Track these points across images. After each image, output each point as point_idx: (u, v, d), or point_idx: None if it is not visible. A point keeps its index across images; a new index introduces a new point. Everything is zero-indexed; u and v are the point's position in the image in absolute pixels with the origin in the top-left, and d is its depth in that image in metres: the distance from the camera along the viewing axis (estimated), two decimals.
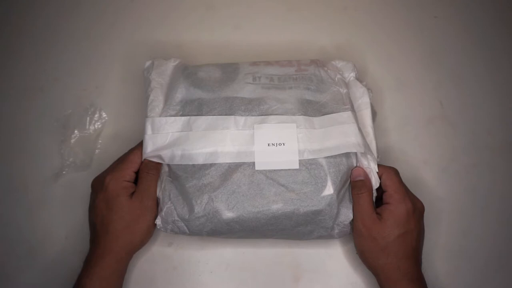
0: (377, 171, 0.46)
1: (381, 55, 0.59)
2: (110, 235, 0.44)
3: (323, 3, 0.62)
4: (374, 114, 0.50)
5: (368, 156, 0.46)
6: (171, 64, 0.51)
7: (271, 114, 0.46)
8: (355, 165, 0.46)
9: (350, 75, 0.51)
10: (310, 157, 0.45)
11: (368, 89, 0.50)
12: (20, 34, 0.60)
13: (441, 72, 0.58)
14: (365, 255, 0.45)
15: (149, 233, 0.47)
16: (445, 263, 0.50)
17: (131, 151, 0.47)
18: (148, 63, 0.52)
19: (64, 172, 0.53)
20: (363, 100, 0.50)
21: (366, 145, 0.46)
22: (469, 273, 0.50)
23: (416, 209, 0.45)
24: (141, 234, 0.46)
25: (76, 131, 0.54)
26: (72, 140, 0.54)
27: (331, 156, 0.45)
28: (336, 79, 0.50)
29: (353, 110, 0.48)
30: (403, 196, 0.44)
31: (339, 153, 0.45)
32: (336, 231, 0.45)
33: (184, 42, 0.60)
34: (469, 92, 0.57)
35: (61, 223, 0.51)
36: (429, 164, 0.54)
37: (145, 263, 0.49)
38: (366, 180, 0.45)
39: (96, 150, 0.54)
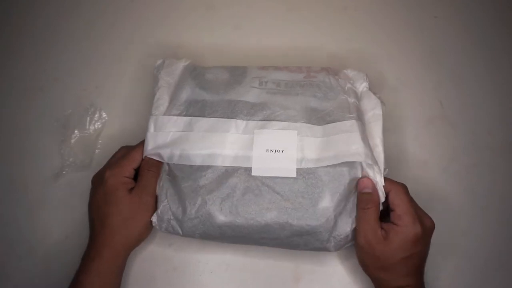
0: (383, 184, 0.44)
1: (381, 55, 0.59)
2: (107, 229, 0.44)
3: (323, 3, 0.62)
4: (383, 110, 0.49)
5: (374, 167, 0.44)
6: (181, 64, 0.51)
7: (272, 120, 0.46)
8: (359, 176, 0.44)
9: (363, 85, 0.50)
10: (309, 166, 0.44)
11: (382, 101, 0.49)
12: (20, 34, 0.60)
13: (441, 72, 0.58)
14: (365, 268, 0.44)
15: (147, 229, 0.47)
16: (446, 262, 0.50)
17: (133, 148, 0.48)
18: (159, 62, 0.52)
19: (64, 172, 0.53)
20: (375, 112, 0.48)
21: (368, 155, 0.44)
22: (469, 273, 0.50)
23: (426, 231, 0.42)
24: (138, 230, 0.46)
25: (76, 131, 0.54)
26: (72, 140, 0.54)
27: (331, 166, 0.44)
28: (346, 88, 0.49)
29: (358, 119, 0.46)
30: (413, 219, 0.42)
31: (337, 162, 0.43)
32: (332, 243, 0.44)
33: (184, 42, 0.60)
34: (469, 92, 0.57)
35: (61, 223, 0.51)
36: (429, 164, 0.54)
37: (145, 264, 0.49)
38: (374, 193, 0.43)
39: (96, 150, 0.54)
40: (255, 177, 0.44)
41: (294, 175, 0.43)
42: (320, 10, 0.62)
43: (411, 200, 0.43)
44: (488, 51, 0.60)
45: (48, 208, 0.52)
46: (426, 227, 0.42)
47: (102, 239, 0.44)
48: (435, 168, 0.54)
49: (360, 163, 0.44)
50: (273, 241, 0.45)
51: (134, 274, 0.49)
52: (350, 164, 0.44)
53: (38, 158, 0.54)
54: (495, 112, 0.56)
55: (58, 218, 0.51)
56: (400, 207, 0.43)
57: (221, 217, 0.43)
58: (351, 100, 0.48)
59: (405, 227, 0.42)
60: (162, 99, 0.48)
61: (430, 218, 0.44)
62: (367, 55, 0.59)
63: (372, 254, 0.42)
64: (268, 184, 0.44)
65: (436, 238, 0.49)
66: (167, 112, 0.48)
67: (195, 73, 0.50)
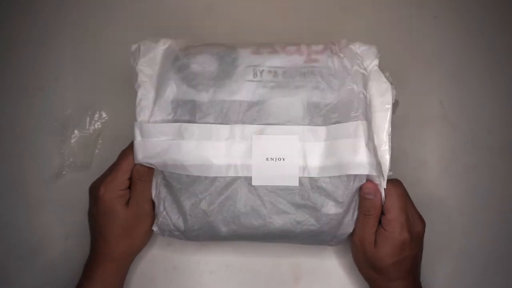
0: (385, 187, 0.42)
1: (381, 55, 0.59)
2: (109, 243, 0.44)
3: (323, 3, 0.62)
4: (396, 105, 0.45)
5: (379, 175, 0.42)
6: (160, 48, 0.45)
7: (271, 124, 0.42)
8: (364, 181, 0.42)
9: (373, 63, 0.44)
10: (312, 175, 0.41)
11: (392, 85, 0.44)
12: (20, 34, 0.60)
13: (441, 72, 0.58)
14: (359, 268, 0.45)
15: (148, 236, 0.47)
16: (445, 263, 0.50)
17: (123, 156, 0.44)
18: (134, 47, 0.45)
19: (64, 172, 0.53)
20: (384, 99, 0.43)
21: (373, 165, 0.41)
22: (469, 273, 0.50)
23: (414, 238, 0.42)
24: (140, 238, 0.46)
25: (76, 131, 0.54)
26: (72, 140, 0.54)
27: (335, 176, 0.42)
28: (353, 70, 0.44)
29: (363, 117, 0.42)
30: (401, 226, 0.41)
31: (340, 174, 0.41)
32: (334, 242, 0.45)
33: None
34: (469, 92, 0.57)
35: (61, 223, 0.51)
36: (429, 164, 0.54)
37: (145, 263, 0.49)
38: (376, 200, 0.41)
39: (96, 150, 0.54)
40: (256, 187, 0.42)
41: (296, 184, 0.41)
42: (320, 10, 0.62)
43: (403, 205, 0.42)
44: (488, 51, 0.59)
45: (48, 208, 0.52)
46: (414, 234, 0.42)
47: (104, 251, 0.44)
48: (435, 168, 0.54)
49: None
50: (278, 242, 0.46)
51: (135, 274, 0.49)
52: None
53: (38, 158, 0.54)
54: (495, 112, 0.56)
55: (58, 218, 0.52)
56: (390, 212, 0.41)
57: (224, 229, 0.42)
58: (358, 89, 0.43)
59: (391, 233, 0.41)
60: (146, 99, 0.43)
61: (421, 222, 0.43)
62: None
63: (363, 254, 0.43)
64: (269, 193, 0.42)
65: (436, 239, 0.50)
66: (153, 115, 0.43)
67: (179, 64, 0.44)
